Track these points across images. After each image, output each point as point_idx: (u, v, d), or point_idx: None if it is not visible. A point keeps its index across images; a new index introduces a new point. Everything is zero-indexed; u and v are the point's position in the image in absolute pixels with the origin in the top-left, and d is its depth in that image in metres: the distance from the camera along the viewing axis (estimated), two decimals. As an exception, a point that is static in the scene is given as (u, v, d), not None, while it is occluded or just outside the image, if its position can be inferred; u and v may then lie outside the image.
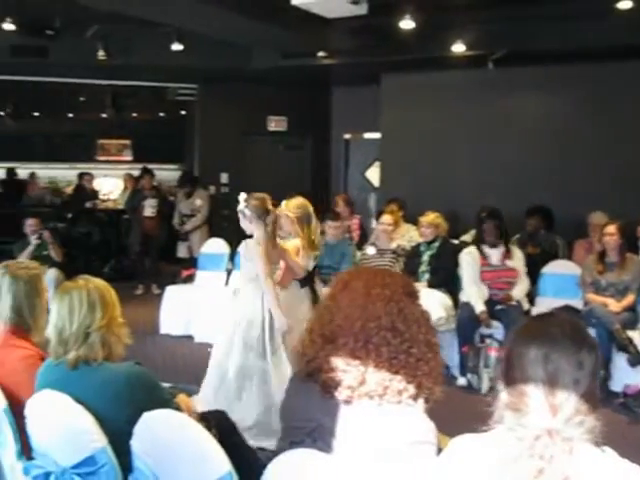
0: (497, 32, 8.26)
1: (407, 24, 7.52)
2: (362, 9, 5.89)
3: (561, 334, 1.66)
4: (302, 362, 2.17)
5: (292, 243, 5.05)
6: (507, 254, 6.41)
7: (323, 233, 6.11)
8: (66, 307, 2.75)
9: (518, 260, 6.46)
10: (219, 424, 2.89)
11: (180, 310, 7.69)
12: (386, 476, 1.98)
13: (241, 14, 7.21)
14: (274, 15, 7.40)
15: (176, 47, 8.79)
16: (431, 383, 2.11)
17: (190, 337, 7.54)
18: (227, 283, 7.88)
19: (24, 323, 3.14)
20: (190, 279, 8.44)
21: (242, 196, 4.75)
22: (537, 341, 1.66)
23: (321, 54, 9.13)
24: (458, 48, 8.37)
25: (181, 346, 7.20)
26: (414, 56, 8.79)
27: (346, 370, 2.05)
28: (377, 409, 2.04)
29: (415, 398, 2.06)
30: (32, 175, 13.87)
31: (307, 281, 5.19)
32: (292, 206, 5.19)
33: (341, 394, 2.05)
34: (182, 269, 8.97)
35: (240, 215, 4.75)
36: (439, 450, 2.05)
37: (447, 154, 9.57)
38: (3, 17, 8.03)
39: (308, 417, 2.12)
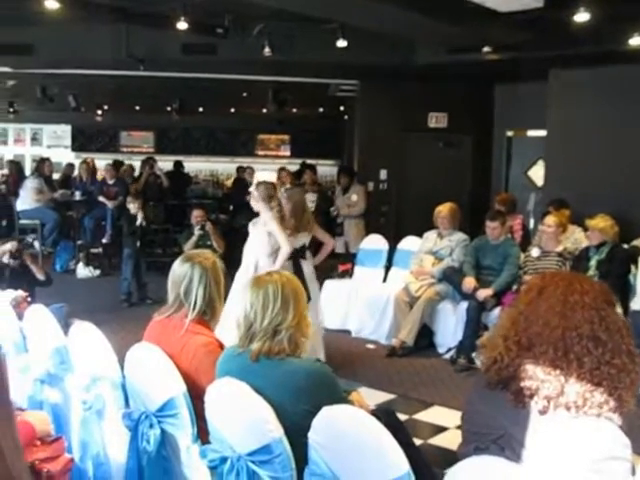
0: (679, 24, 7.71)
1: (582, 17, 7.18)
2: (538, 2, 5.67)
3: None
4: (493, 369, 2.09)
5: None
6: None
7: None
8: (260, 302, 2.78)
9: None
10: (388, 422, 2.87)
11: (338, 305, 7.74)
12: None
13: (408, 9, 7.12)
14: (441, 9, 7.27)
15: (341, 44, 8.83)
16: (630, 396, 1.98)
17: (347, 332, 7.62)
18: (385, 280, 7.87)
19: (208, 311, 3.23)
20: (346, 274, 8.49)
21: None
22: None
23: (486, 49, 8.87)
24: (636, 41, 7.90)
25: (337, 340, 7.17)
26: (587, 50, 8.36)
27: (544, 380, 1.97)
28: (573, 421, 1.94)
29: (614, 411, 1.95)
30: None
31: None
32: None
33: (537, 404, 1.97)
34: (339, 264, 9.03)
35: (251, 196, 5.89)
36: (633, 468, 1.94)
37: (619, 153, 9.03)
38: (178, 16, 8.39)
39: (496, 424, 2.05)
